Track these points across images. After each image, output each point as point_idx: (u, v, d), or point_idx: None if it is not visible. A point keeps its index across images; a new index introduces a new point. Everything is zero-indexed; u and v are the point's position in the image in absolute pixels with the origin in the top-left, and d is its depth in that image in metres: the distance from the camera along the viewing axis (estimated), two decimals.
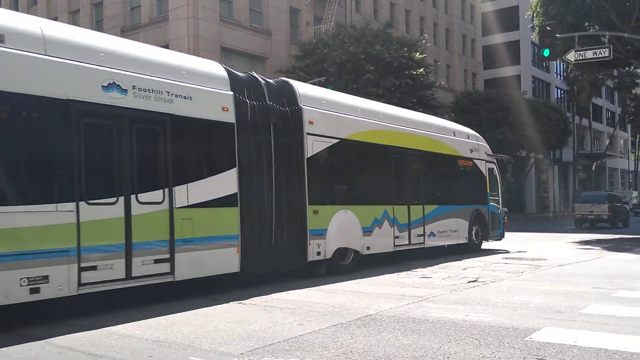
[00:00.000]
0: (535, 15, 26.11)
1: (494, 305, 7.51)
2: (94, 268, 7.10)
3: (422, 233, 13.55)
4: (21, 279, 6.40)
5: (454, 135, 15.76)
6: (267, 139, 9.67)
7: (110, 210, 7.33)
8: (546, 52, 19.00)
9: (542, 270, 11.59)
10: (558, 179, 61.18)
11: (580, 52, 19.87)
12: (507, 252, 15.88)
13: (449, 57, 48.60)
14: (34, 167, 6.83)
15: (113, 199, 7.39)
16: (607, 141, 70.56)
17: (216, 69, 9.45)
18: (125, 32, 30.46)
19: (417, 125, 14.18)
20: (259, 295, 8.34)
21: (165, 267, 7.93)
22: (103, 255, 7.20)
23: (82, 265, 6.97)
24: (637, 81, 55.34)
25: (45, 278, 6.62)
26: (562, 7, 23.81)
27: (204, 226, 8.46)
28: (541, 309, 7.18)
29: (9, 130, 6.55)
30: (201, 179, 8.58)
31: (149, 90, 7.88)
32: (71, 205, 6.91)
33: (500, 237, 17.32)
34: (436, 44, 46.03)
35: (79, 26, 35.54)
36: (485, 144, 17.40)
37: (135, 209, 7.57)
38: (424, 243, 13.66)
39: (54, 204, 6.77)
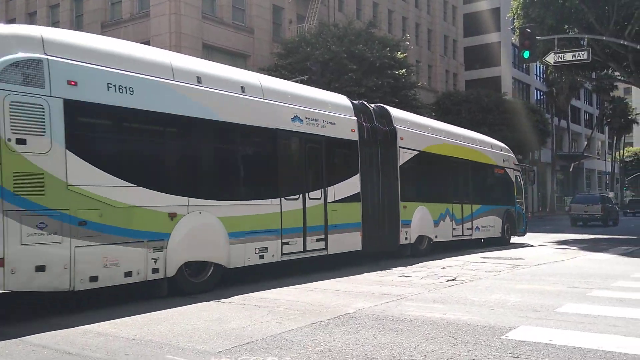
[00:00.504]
0: (515, 17, 26.32)
1: (471, 304, 7.57)
2: (287, 243, 10.18)
3: (470, 227, 16.56)
4: (255, 248, 9.52)
5: (491, 147, 18.86)
6: (376, 151, 12.95)
7: (295, 204, 10.42)
8: (526, 54, 19.18)
9: (519, 269, 11.73)
10: (536, 180, 61.83)
11: (560, 55, 20.15)
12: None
13: (431, 58, 48.86)
14: (264, 175, 10.11)
15: (297, 196, 10.48)
16: (585, 143, 71.67)
17: (345, 100, 12.77)
18: (105, 27, 30.07)
19: (467, 140, 17.34)
20: (238, 294, 8.31)
21: (322, 245, 11.04)
22: (292, 235, 10.27)
23: (283, 241, 10.07)
24: (615, 84, 56.30)
25: (266, 249, 9.73)
26: (542, 10, 24.04)
27: (343, 216, 11.60)
28: (517, 308, 7.26)
29: (249, 151, 9.99)
30: (341, 181, 11.71)
31: (313, 119, 11.09)
32: (278, 200, 10.04)
33: (523, 233, 20.27)
34: (418, 44, 46.25)
35: (59, 20, 34.68)
36: (513, 155, 20.49)
37: (308, 203, 10.71)
38: (471, 235, 16.64)
39: (270, 199, 9.91)
